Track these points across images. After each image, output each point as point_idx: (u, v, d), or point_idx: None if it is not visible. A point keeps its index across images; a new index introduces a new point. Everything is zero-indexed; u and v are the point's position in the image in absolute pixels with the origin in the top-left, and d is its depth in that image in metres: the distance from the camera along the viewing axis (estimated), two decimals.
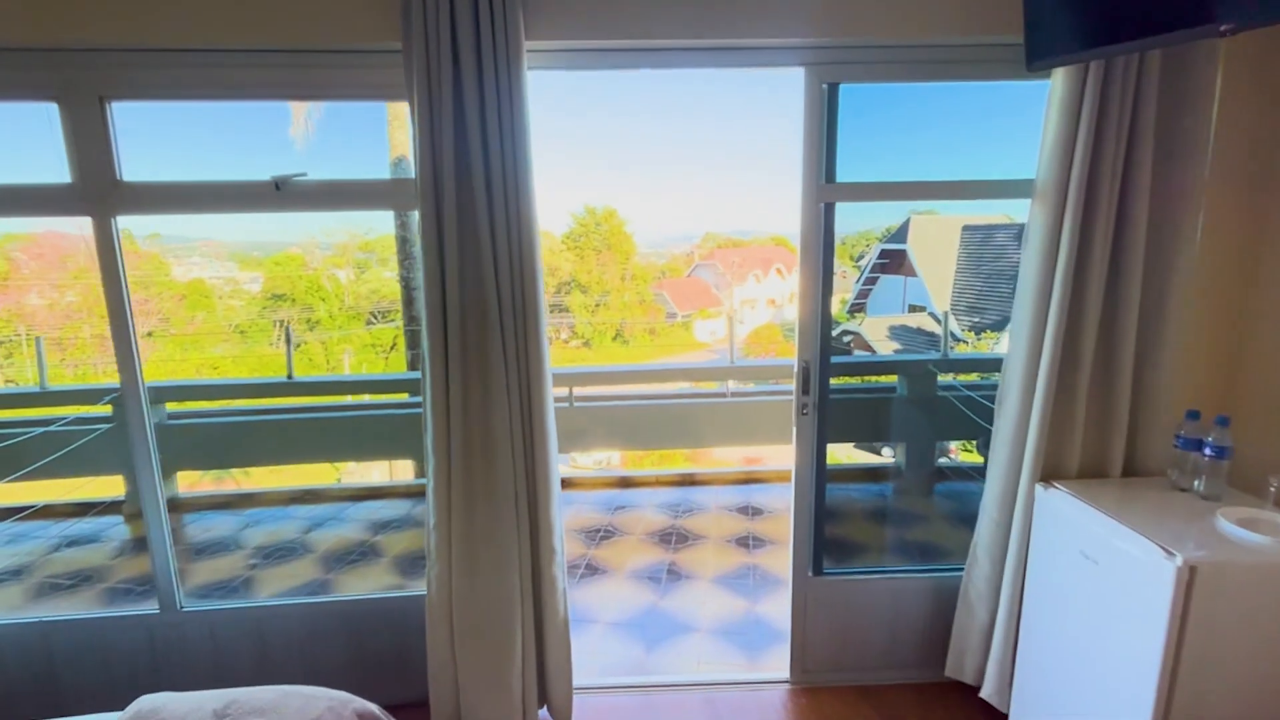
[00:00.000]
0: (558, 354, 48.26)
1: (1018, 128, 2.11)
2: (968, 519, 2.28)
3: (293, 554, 3.62)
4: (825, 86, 2.06)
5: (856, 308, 47.59)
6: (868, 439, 4.17)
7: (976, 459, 3.19)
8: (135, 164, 2.05)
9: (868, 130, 2.21)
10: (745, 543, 3.86)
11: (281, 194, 1.99)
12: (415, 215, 1.95)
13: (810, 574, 2.42)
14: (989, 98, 2.34)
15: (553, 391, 2.07)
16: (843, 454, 4.44)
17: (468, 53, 1.78)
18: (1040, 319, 1.96)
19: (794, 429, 2.34)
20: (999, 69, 2.03)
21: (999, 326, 31.06)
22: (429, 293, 1.91)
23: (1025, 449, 2.04)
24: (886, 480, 3.92)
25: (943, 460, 3.72)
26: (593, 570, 3.65)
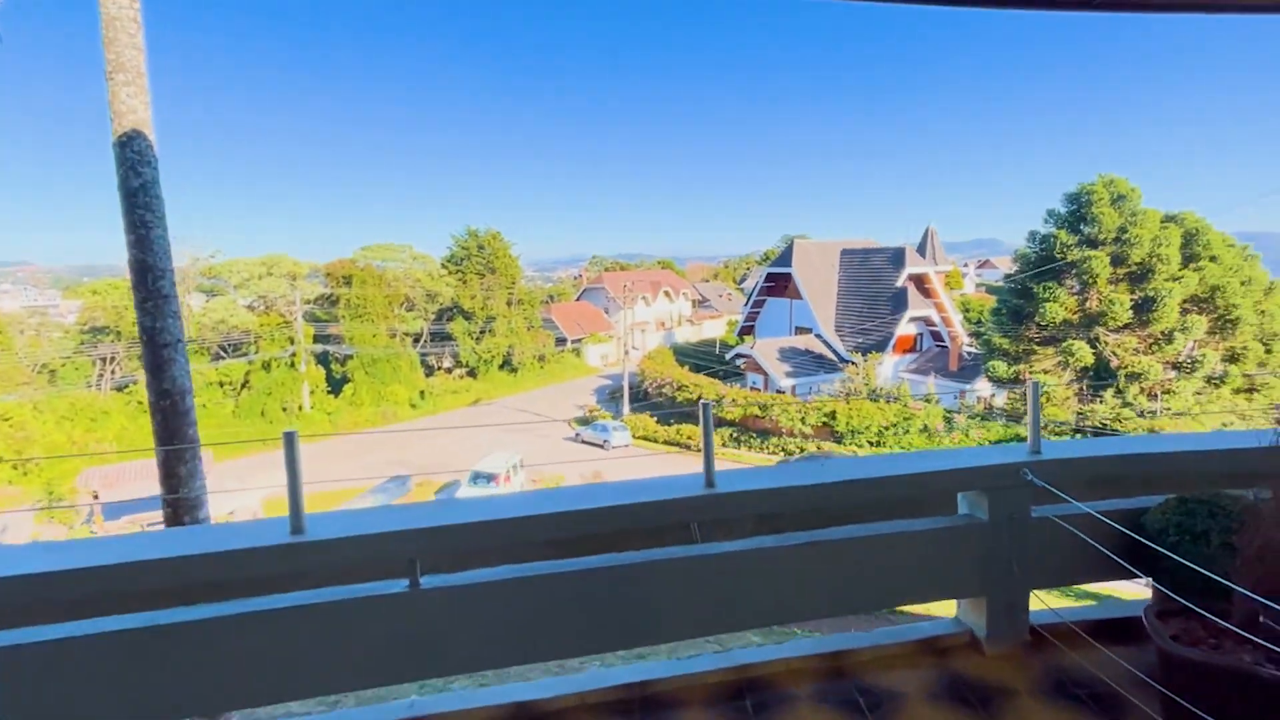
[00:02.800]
0: (439, 384, 45.23)
1: None
2: None
3: None
4: None
5: (746, 330, 48.81)
6: None
7: None
8: None
9: None
10: None
11: None
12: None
13: None
14: None
15: None
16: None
17: None
18: None
19: None
20: None
21: (880, 347, 32.93)
22: None
23: None
24: None
25: None
26: None
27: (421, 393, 42.21)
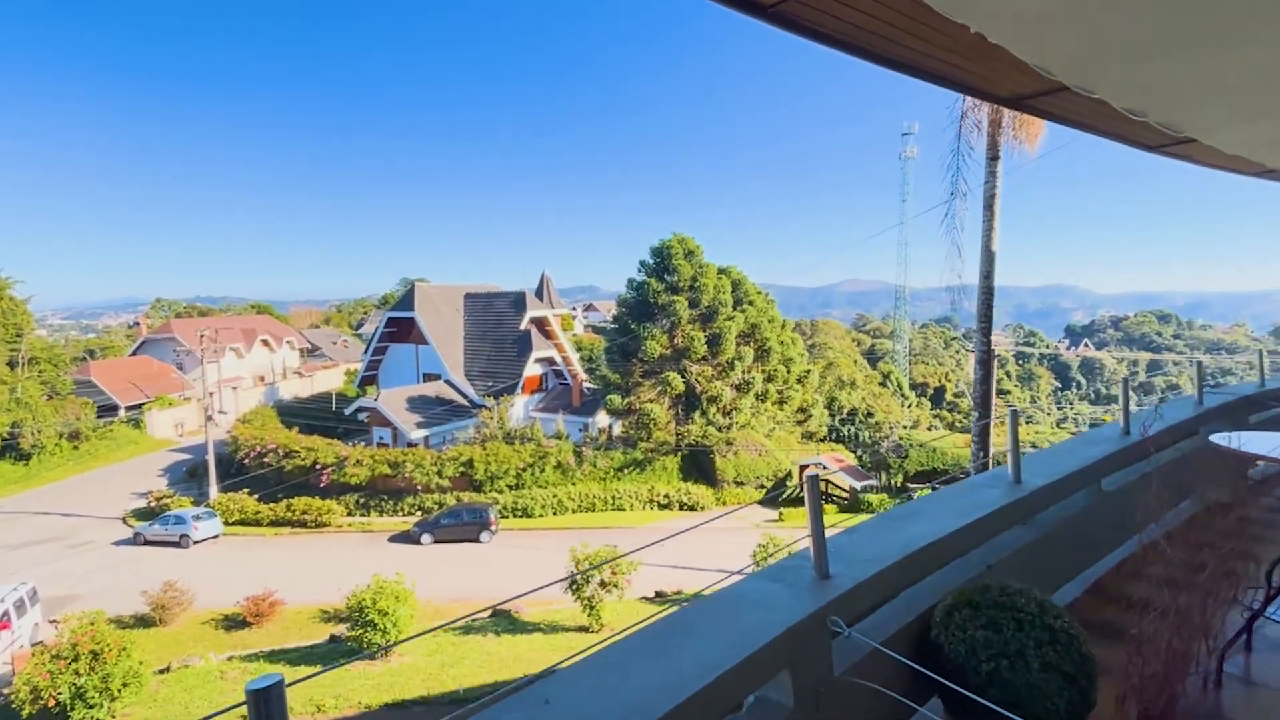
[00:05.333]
0: None
1: None
2: None
3: None
4: None
5: (368, 380, 44.33)
6: None
7: None
8: None
9: None
10: None
11: None
12: None
13: None
14: None
15: None
16: None
17: None
18: None
19: None
20: None
21: (511, 389, 32.90)
22: None
23: None
24: None
25: None
26: None
27: None
